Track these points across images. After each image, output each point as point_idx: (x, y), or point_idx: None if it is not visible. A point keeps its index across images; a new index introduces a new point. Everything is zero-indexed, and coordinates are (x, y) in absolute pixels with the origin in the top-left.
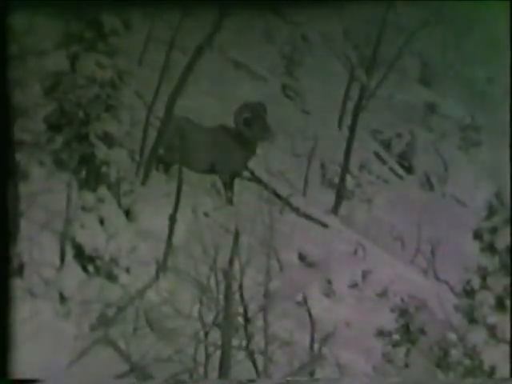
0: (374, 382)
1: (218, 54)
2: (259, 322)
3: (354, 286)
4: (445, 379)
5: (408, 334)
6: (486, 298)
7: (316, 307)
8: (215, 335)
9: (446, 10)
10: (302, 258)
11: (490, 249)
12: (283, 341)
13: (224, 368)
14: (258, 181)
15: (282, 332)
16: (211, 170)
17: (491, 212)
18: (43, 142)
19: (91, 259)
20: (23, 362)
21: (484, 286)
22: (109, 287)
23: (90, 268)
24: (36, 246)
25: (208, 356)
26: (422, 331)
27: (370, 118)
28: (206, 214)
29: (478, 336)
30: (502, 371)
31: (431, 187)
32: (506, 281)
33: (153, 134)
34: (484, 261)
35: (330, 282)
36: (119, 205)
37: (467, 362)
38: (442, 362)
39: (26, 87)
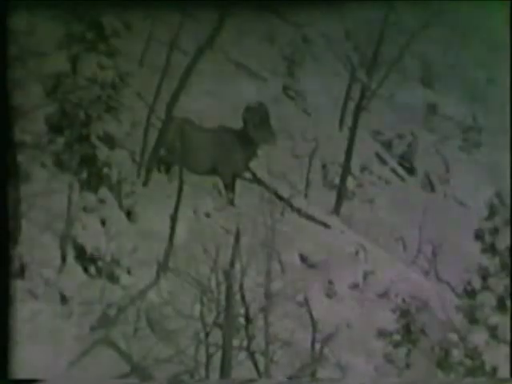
0: (375, 382)
1: (219, 55)
2: (260, 323)
3: (355, 286)
4: (446, 379)
5: (409, 334)
6: (487, 299)
7: (317, 308)
8: (216, 336)
9: (448, 10)
10: (303, 258)
11: (491, 249)
12: (284, 341)
13: (225, 368)
14: (260, 182)
15: (283, 332)
16: (213, 171)
17: (492, 213)
18: (44, 143)
19: (92, 260)
20: (23, 362)
21: (485, 287)
22: (110, 288)
23: (91, 269)
24: (37, 246)
25: (209, 356)
26: (423, 332)
27: (371, 118)
28: (207, 215)
29: (479, 336)
30: (503, 372)
31: (432, 188)
32: (507, 281)
33: (154, 135)
34: (485, 261)
35: (331, 282)
36: (120, 206)
37: (468, 362)
38: (443, 363)
39: (27, 88)
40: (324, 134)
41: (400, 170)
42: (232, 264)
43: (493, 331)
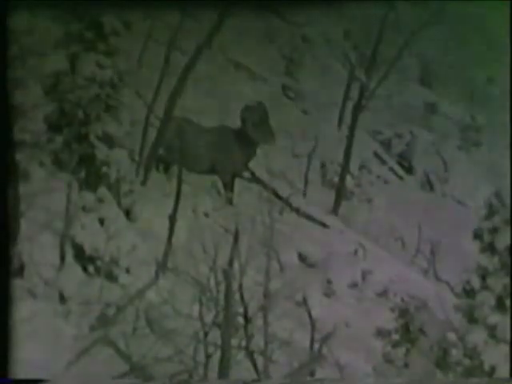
0: (374, 381)
1: (218, 55)
2: (259, 322)
3: (354, 285)
4: (445, 379)
5: (408, 333)
6: (486, 298)
7: (316, 307)
8: (215, 335)
9: (447, 10)
10: (302, 258)
11: (490, 249)
12: (283, 341)
13: (224, 368)
14: (258, 181)
15: (281, 332)
16: (212, 170)
17: (491, 212)
18: (43, 143)
19: (91, 259)
20: (23, 361)
21: (484, 286)
22: (109, 287)
23: (90, 268)
24: (36, 246)
25: (208, 356)
26: (422, 331)
27: (370, 118)
28: (206, 214)
29: (478, 336)
30: (502, 371)
31: (431, 187)
32: (507, 281)
33: (152, 135)
34: (484, 261)
35: (330, 281)
36: (119, 205)
37: (467, 362)
38: (442, 362)
39: (26, 87)
40: (323, 134)
41: (399, 170)
42: (231, 263)
43: (492, 331)
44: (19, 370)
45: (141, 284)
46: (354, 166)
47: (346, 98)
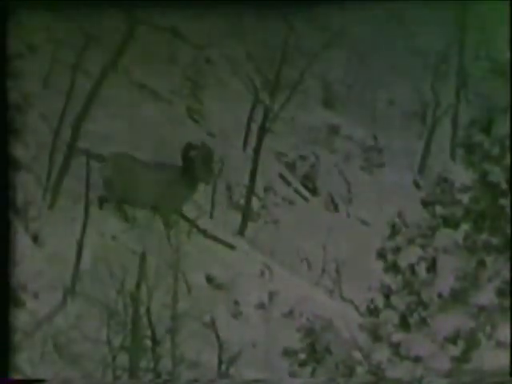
0: None
1: (123, 77)
2: (167, 344)
3: (260, 306)
4: None
5: (314, 353)
6: (390, 317)
7: (224, 328)
8: (123, 358)
9: (348, 32)
10: (209, 279)
11: (394, 268)
12: (191, 362)
13: None
14: None
15: (189, 353)
16: (154, 207)
17: (394, 232)
18: None
19: None
20: None
21: (388, 305)
22: (16, 313)
23: None
24: None
25: (116, 378)
26: (328, 350)
27: (275, 140)
28: (113, 238)
29: (382, 354)
30: None
31: (336, 208)
32: (409, 299)
33: (60, 159)
34: (388, 280)
35: (237, 303)
36: (26, 229)
37: (372, 379)
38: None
39: None
40: (228, 156)
41: (303, 191)
42: (138, 286)
43: (395, 348)
44: None
45: (48, 309)
46: (259, 188)
47: (250, 120)
